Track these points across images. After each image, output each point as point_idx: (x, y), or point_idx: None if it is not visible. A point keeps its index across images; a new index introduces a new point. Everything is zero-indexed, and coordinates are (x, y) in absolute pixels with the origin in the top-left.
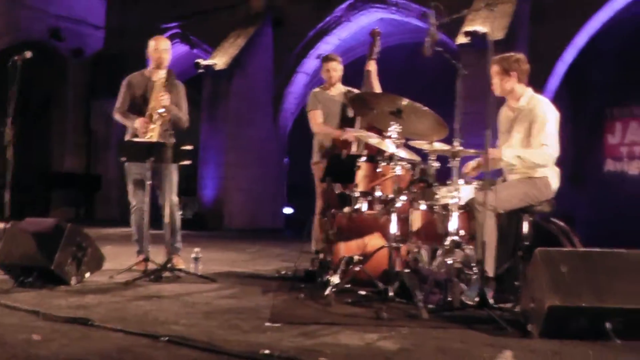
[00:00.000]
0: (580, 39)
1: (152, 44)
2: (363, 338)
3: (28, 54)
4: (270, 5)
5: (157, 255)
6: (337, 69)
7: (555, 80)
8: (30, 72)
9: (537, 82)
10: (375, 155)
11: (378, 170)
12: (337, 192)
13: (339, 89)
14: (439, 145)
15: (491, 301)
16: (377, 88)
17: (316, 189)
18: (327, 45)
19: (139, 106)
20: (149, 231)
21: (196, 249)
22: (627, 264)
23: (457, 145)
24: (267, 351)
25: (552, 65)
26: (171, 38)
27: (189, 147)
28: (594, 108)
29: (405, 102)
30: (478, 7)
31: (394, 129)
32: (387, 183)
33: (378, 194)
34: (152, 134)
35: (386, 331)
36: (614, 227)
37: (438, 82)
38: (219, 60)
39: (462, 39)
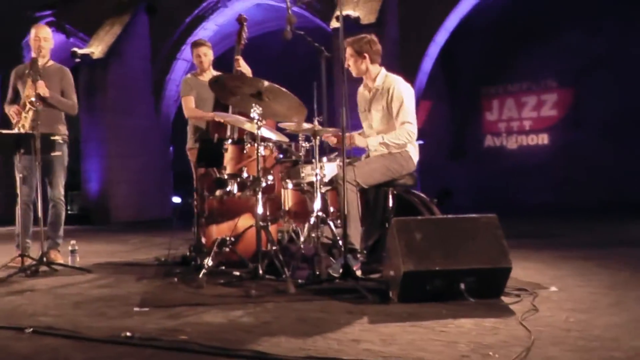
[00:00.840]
0: (451, 21)
1: (32, 32)
2: (227, 316)
3: None
4: None
5: (39, 250)
6: (207, 53)
7: (429, 61)
8: None
9: (411, 64)
10: (243, 138)
11: (244, 152)
12: (213, 177)
13: (211, 75)
14: (301, 125)
15: (358, 272)
16: None
17: (194, 174)
18: (204, 31)
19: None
20: (31, 226)
21: (72, 242)
22: (477, 227)
23: (316, 125)
24: (128, 334)
25: (425, 47)
26: None
27: (57, 138)
28: (470, 87)
29: (265, 84)
30: None
31: (255, 111)
32: (253, 164)
33: (245, 175)
34: (24, 123)
35: (252, 308)
36: (494, 198)
37: (316, 66)
38: (96, 49)
39: (334, 24)
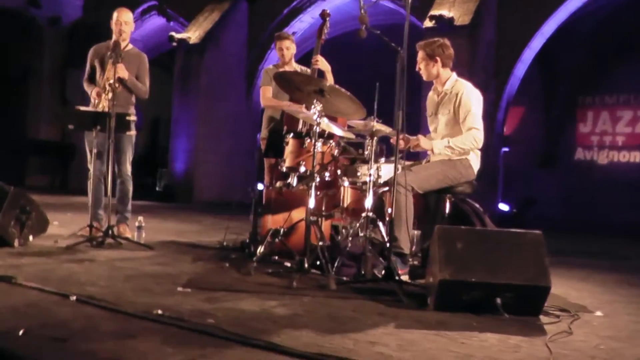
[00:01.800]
0: (549, 27)
1: (114, 15)
2: (262, 305)
3: None
4: None
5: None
6: (289, 47)
7: (522, 66)
8: (7, 42)
9: (504, 68)
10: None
11: (304, 146)
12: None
13: (292, 67)
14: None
15: (405, 277)
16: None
17: (265, 163)
18: (301, 23)
19: (99, 76)
20: (102, 199)
21: (140, 218)
22: (520, 243)
23: (374, 125)
24: (159, 311)
25: (520, 52)
26: (148, 10)
27: (132, 118)
28: (566, 95)
29: (327, 84)
30: None
31: (315, 107)
32: (311, 159)
33: (302, 169)
34: (104, 104)
35: (288, 299)
36: (581, 212)
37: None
38: (193, 34)
39: (428, 23)
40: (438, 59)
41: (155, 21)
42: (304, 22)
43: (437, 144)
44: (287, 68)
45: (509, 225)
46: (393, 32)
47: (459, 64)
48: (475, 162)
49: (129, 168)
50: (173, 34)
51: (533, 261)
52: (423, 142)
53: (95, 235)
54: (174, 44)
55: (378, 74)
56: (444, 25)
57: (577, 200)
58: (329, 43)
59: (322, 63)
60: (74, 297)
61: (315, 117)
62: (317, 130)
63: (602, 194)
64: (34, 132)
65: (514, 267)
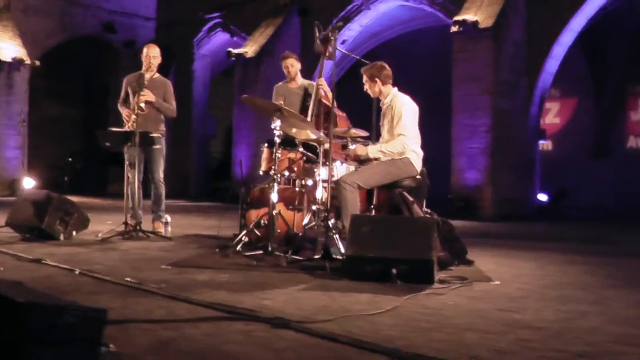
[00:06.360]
0: (577, 23)
1: (144, 50)
2: (212, 276)
3: (37, 63)
4: None
5: (148, 221)
6: (294, 64)
7: (554, 62)
8: (87, 65)
9: (534, 65)
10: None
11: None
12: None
13: (299, 82)
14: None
15: None
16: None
17: None
18: (350, 32)
19: (131, 100)
20: (137, 201)
21: (166, 215)
22: (417, 225)
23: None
24: (128, 279)
25: (549, 48)
26: (214, 27)
27: (155, 135)
28: (616, 84)
29: (279, 106)
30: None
31: (275, 123)
32: (280, 164)
33: (272, 172)
34: (134, 124)
35: (239, 273)
36: (636, 201)
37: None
38: (249, 48)
39: (453, 28)
40: (377, 79)
41: (221, 37)
42: (352, 30)
43: (371, 149)
44: (293, 83)
45: (546, 214)
46: (444, 34)
47: (484, 65)
48: (416, 160)
49: (161, 175)
50: (231, 49)
51: (423, 239)
52: (359, 149)
53: (128, 230)
54: (233, 58)
55: (438, 70)
56: (469, 29)
57: (632, 189)
58: (385, 46)
59: (324, 86)
60: (78, 271)
61: (275, 130)
62: (277, 140)
63: None
64: None
65: (406, 245)
